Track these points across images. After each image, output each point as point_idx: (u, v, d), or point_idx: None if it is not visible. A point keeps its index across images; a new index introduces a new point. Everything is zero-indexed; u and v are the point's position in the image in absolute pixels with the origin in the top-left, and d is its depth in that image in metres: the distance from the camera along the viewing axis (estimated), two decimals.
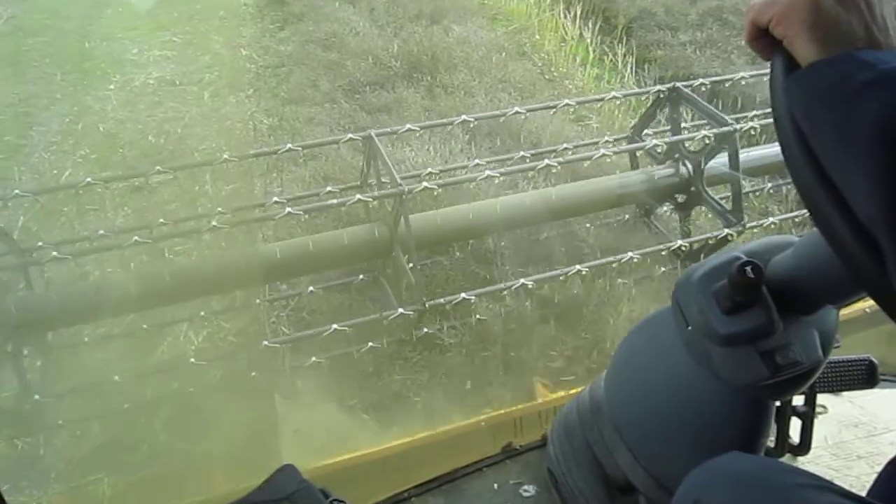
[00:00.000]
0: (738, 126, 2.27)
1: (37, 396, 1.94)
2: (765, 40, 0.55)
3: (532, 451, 1.09)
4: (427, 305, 2.07)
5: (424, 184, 2.11)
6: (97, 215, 2.83)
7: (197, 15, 5.67)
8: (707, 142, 2.35)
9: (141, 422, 2.05)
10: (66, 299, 2.00)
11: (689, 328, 0.68)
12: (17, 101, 4.34)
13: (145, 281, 2.02)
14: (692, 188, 2.42)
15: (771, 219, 2.53)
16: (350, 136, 2.22)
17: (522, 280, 2.16)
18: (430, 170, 2.42)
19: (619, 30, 4.87)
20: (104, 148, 3.84)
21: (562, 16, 5.46)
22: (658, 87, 2.49)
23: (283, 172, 3.18)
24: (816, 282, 0.64)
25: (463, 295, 2.10)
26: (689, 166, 2.40)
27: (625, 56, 4.60)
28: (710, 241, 2.38)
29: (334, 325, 2.01)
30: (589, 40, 4.99)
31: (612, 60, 4.64)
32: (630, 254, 2.23)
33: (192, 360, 2.08)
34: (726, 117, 2.31)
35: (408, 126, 2.30)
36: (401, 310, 2.04)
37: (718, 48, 4.22)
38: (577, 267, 2.18)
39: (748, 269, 0.62)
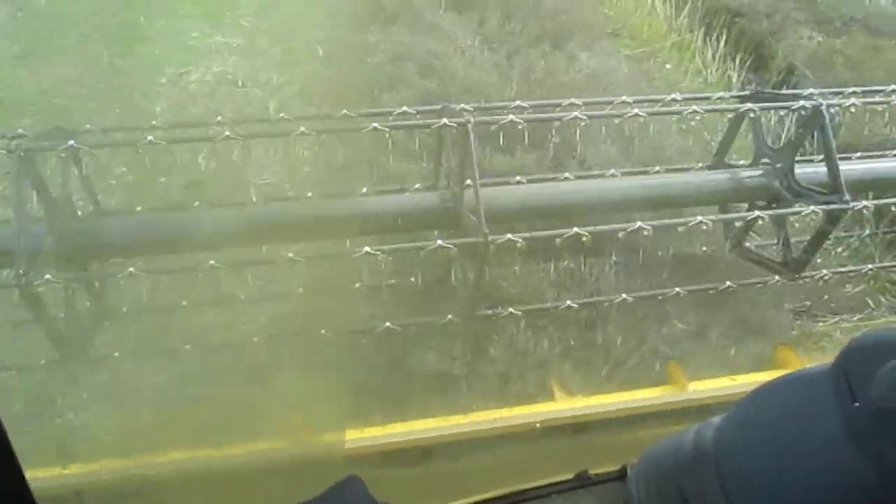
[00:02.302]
0: (825, 102, 2.13)
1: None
2: None
3: (609, 484, 0.99)
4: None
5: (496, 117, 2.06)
6: None
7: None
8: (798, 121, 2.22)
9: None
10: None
11: (857, 404, 0.59)
12: (53, 87, 3.66)
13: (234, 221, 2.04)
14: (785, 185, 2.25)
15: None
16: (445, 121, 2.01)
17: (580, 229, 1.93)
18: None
19: (779, 77, 3.94)
20: (145, 169, 3.14)
21: (699, 40, 4.54)
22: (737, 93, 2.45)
23: None
24: None
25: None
26: (780, 166, 2.26)
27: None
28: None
29: None
30: (735, 81, 4.10)
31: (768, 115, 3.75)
32: (699, 217, 2.04)
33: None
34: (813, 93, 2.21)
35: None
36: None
37: None
38: (640, 224, 1.97)
39: None
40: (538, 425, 1.90)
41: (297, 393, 2.03)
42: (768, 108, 2.34)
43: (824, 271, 2.34)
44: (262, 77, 3.91)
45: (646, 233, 1.96)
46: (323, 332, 1.99)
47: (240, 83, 3.88)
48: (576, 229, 1.90)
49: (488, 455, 1.90)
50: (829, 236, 2.31)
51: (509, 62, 3.39)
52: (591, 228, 1.92)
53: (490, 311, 2.08)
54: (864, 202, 2.19)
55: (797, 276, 2.25)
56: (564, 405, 1.97)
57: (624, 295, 2.11)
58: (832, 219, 2.12)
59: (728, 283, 2.21)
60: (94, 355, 2.02)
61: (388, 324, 1.97)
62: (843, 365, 0.61)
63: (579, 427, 1.97)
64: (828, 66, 3.72)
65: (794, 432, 0.64)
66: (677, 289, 2.16)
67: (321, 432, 1.73)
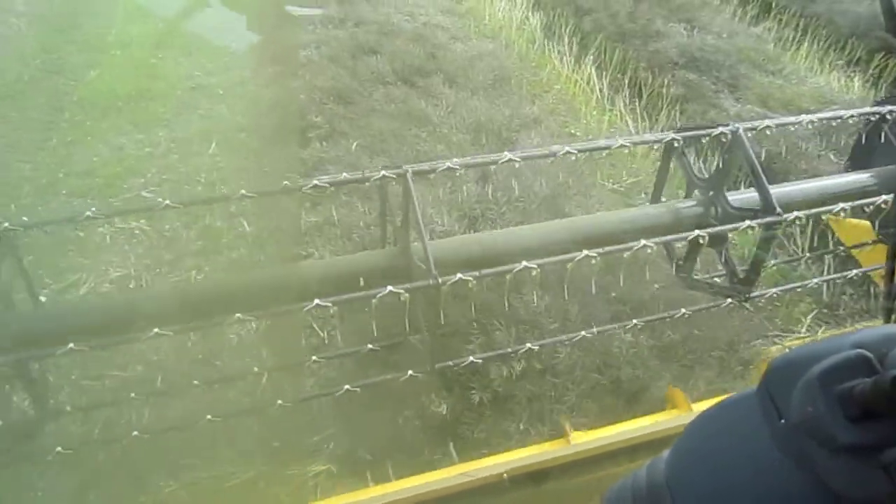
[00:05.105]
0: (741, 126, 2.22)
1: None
2: None
3: None
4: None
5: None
6: None
7: (181, 144, 4.08)
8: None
9: None
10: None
11: (783, 421, 0.60)
12: None
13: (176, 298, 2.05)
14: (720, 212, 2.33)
15: None
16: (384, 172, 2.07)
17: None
18: None
19: None
20: None
21: None
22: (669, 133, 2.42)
23: None
24: None
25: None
26: (712, 194, 2.32)
27: None
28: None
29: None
30: None
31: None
32: (643, 241, 2.02)
33: None
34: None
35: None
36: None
37: None
38: (586, 252, 1.96)
39: None
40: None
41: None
42: (690, 136, 2.39)
43: (773, 290, 2.44)
44: (174, 278, 3.05)
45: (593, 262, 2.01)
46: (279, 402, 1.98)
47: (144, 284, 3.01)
48: (524, 263, 1.91)
49: None
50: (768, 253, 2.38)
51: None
52: (539, 261, 1.94)
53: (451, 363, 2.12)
54: (796, 213, 2.28)
55: (747, 296, 2.35)
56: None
57: (583, 332, 2.14)
58: (767, 235, 2.20)
59: (683, 310, 2.30)
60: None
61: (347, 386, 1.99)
62: (767, 385, 0.62)
63: None
64: None
65: (735, 457, 0.64)
66: (634, 320, 2.25)
67: None
